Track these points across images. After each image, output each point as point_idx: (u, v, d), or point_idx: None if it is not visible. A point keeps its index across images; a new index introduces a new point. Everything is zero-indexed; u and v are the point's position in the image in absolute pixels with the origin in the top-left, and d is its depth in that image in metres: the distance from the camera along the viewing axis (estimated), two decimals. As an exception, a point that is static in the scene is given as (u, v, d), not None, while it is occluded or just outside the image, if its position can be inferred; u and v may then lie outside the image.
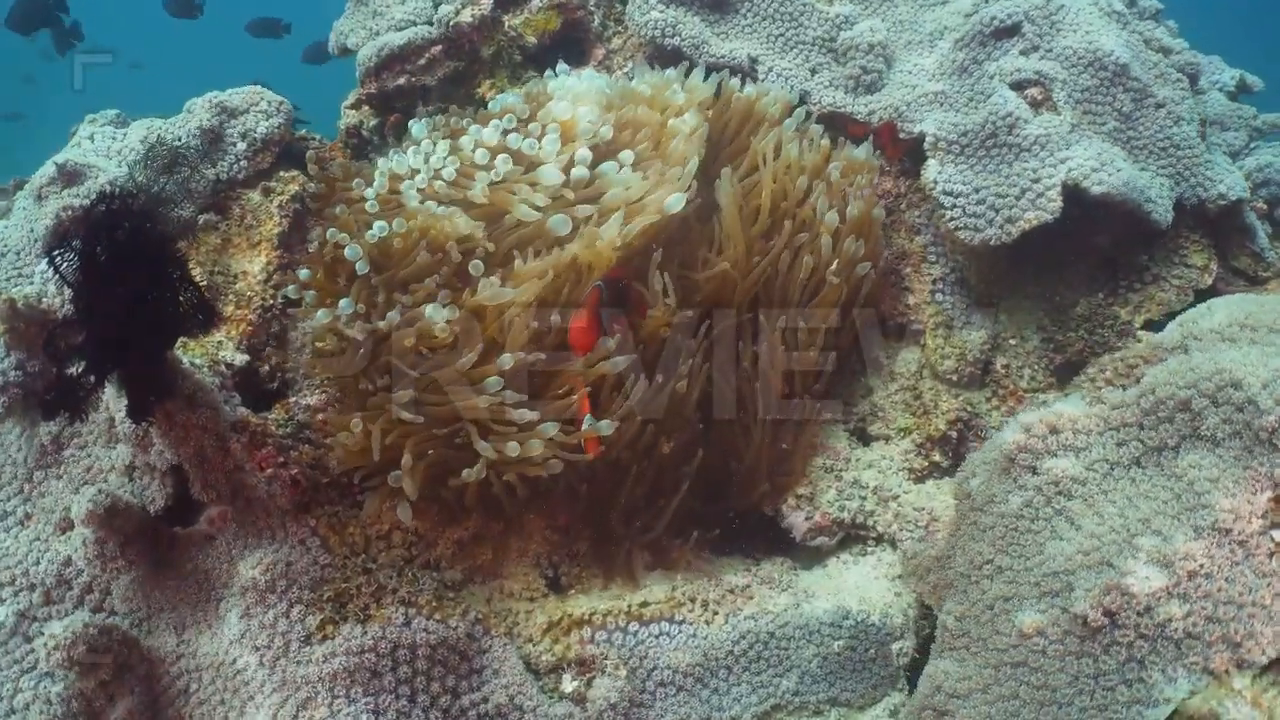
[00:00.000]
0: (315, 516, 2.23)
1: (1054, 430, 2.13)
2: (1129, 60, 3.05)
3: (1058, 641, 1.78)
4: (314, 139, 3.49)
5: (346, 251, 2.42)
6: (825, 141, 2.95)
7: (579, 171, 2.58)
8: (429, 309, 2.33)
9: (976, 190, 2.86)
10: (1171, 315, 3.02)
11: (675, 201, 2.59)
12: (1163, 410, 1.96)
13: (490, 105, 2.84)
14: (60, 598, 2.25)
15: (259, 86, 3.35)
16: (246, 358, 2.50)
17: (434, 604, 2.24)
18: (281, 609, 2.10)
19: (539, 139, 2.60)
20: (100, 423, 2.28)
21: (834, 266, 2.74)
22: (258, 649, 2.08)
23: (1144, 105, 3.07)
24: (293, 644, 2.08)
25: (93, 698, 2.05)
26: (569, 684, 2.31)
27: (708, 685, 2.42)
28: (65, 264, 1.65)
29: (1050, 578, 1.90)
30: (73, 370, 1.75)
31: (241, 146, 3.09)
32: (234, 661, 2.11)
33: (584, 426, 2.29)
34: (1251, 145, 3.52)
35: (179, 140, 2.98)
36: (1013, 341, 2.98)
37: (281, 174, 3.12)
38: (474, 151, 2.58)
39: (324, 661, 2.05)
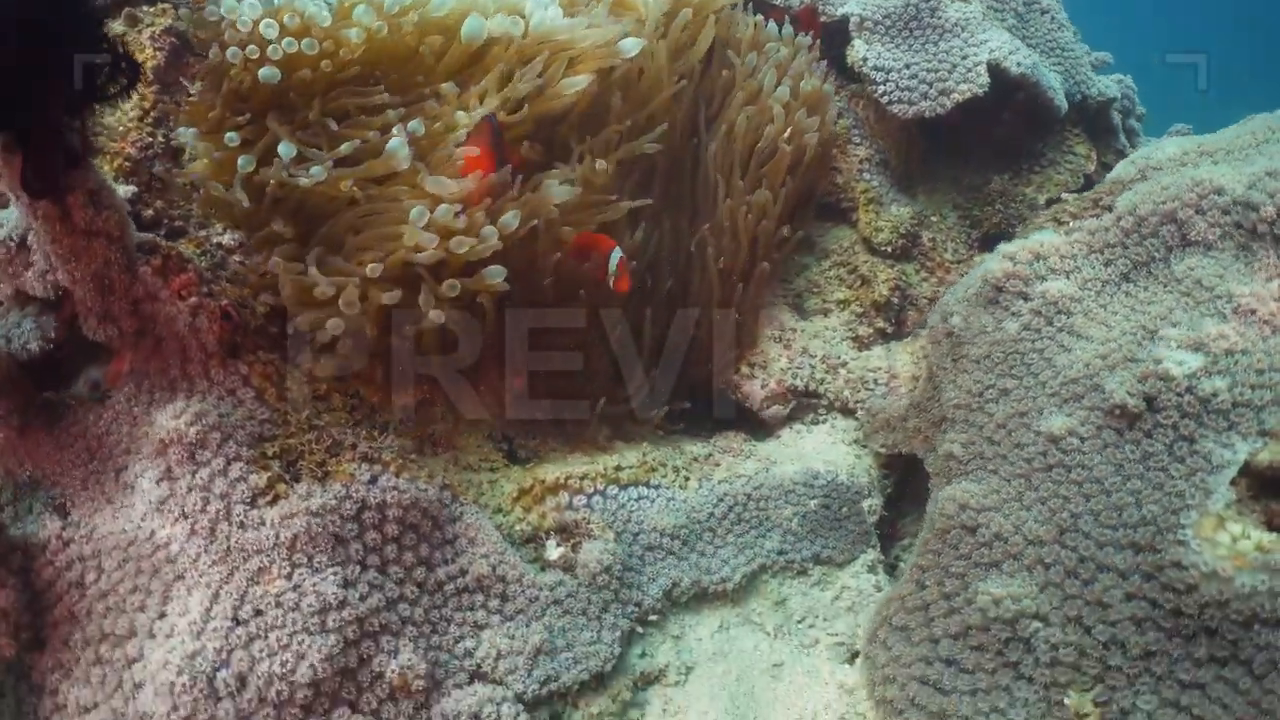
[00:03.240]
0: (246, 363, 1.72)
1: (1039, 257, 2.06)
2: (1019, -35, 3.13)
3: (1094, 437, 1.69)
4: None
5: (261, 72, 1.90)
6: (759, 16, 2.78)
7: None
8: (393, 142, 1.86)
9: (907, 66, 2.80)
10: (1069, 193, 3.16)
11: (631, 45, 2.29)
12: (1146, 227, 1.93)
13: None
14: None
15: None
16: (134, 189, 1.91)
17: (399, 463, 1.81)
18: (217, 465, 1.59)
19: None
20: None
21: (786, 134, 2.57)
22: (187, 516, 1.56)
23: (1032, 9, 3.16)
24: (235, 507, 1.58)
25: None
26: (554, 551, 1.96)
27: (694, 548, 2.16)
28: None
29: (1069, 385, 1.81)
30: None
31: (89, -34, 2.40)
32: (151, 536, 1.57)
33: (613, 261, 1.97)
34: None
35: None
36: (934, 219, 2.96)
37: (145, 6, 2.47)
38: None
39: (281, 524, 1.57)
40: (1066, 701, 1.45)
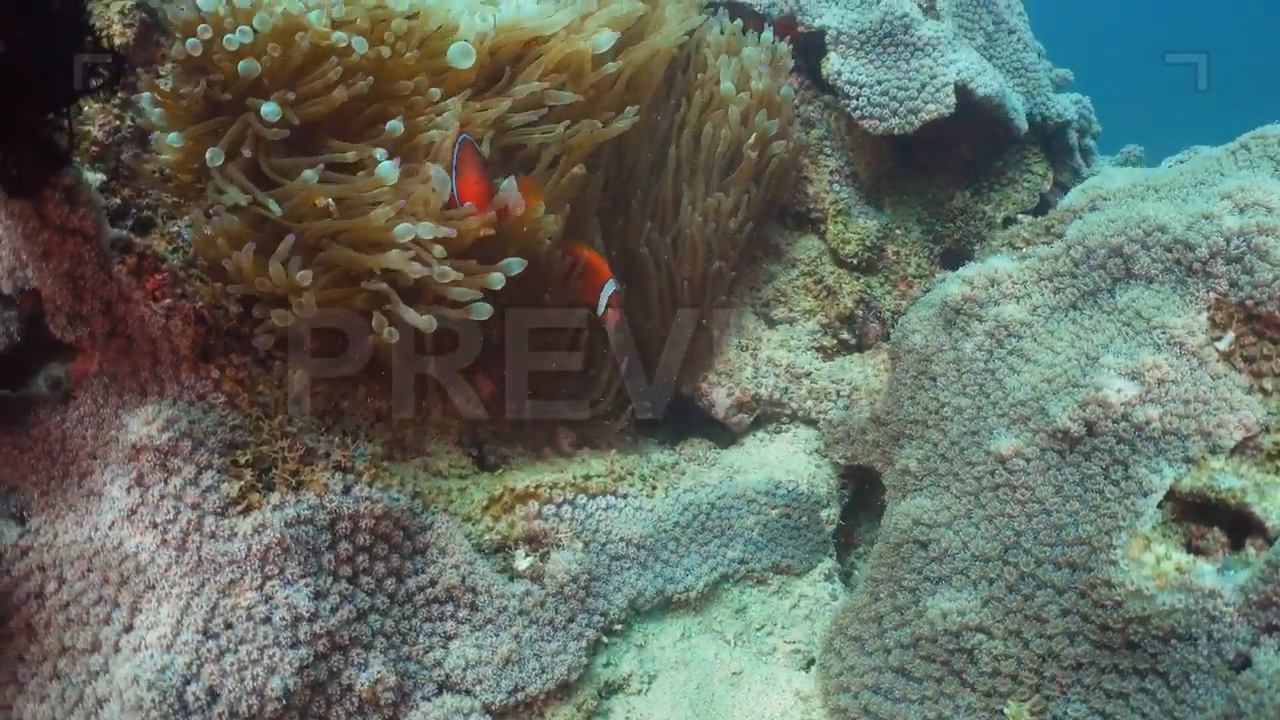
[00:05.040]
0: (218, 367, 1.80)
1: (994, 282, 2.24)
2: (989, -15, 3.32)
3: (1038, 459, 1.87)
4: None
5: (240, 66, 1.94)
6: (738, 22, 2.91)
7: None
8: (383, 165, 1.92)
9: (879, 83, 2.96)
10: (1025, 211, 3.38)
11: (605, 40, 2.39)
12: (1094, 258, 2.12)
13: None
14: None
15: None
16: (102, 177, 1.95)
17: (373, 472, 1.91)
18: (189, 474, 1.67)
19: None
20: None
21: (750, 140, 2.71)
22: (157, 526, 1.64)
23: (1001, 29, 3.35)
24: (207, 517, 1.66)
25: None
26: (523, 561, 2.08)
27: (660, 557, 2.29)
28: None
29: (1017, 407, 1.99)
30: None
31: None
32: (120, 545, 1.64)
33: (605, 295, 2.07)
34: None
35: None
36: (899, 232, 3.14)
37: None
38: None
39: (254, 535, 1.66)
40: (1006, 711, 1.62)
